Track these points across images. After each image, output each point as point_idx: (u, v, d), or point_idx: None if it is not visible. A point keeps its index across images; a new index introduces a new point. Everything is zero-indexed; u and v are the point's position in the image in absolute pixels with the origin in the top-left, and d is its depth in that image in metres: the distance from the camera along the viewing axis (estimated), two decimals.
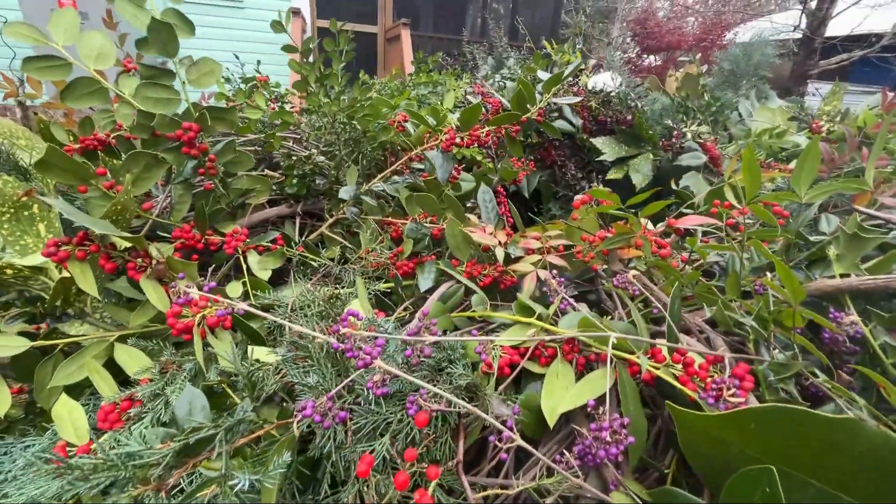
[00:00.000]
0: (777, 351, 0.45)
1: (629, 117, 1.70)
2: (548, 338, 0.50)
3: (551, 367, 0.51)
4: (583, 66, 1.93)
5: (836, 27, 8.25)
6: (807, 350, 0.45)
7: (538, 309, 0.54)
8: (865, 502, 0.30)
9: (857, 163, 0.77)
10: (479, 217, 0.80)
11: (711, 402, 0.37)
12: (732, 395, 0.36)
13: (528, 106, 0.84)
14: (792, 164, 1.29)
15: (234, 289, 0.62)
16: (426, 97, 1.63)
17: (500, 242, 0.71)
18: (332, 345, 0.34)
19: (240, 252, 0.67)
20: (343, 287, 0.67)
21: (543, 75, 0.86)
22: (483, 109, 1.05)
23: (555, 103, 1.15)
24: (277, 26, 0.70)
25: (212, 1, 5.31)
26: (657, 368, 0.42)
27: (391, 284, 0.70)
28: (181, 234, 0.66)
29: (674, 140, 1.48)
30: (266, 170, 0.86)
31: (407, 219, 0.84)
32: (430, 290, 0.66)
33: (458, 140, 0.83)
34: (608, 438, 0.34)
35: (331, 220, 0.84)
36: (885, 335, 0.50)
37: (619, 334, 0.41)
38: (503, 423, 0.35)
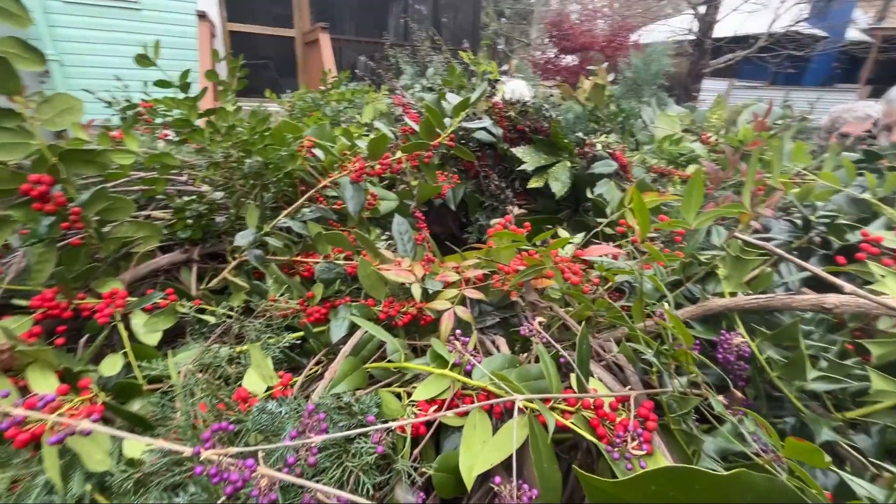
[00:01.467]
0: (677, 380, 0.47)
1: (545, 126, 1.75)
2: (469, 389, 0.48)
3: (469, 419, 0.49)
4: (495, 81, 1.96)
5: (722, 30, 9.26)
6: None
7: (451, 357, 0.53)
8: None
9: (740, 176, 0.84)
10: (396, 250, 0.77)
11: (617, 457, 0.37)
12: (637, 447, 0.36)
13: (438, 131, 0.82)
14: (690, 170, 1.40)
15: (112, 364, 0.54)
16: (343, 112, 1.57)
17: (416, 278, 0.68)
18: (195, 470, 0.29)
19: (118, 318, 0.58)
20: (246, 343, 0.60)
21: (453, 98, 0.85)
22: (391, 136, 1.02)
23: (463, 128, 1.15)
24: (143, 61, 0.62)
25: (104, 1, 4.78)
26: (571, 414, 0.41)
27: (298, 335, 0.65)
28: (42, 303, 0.57)
29: (586, 149, 1.54)
30: (154, 212, 0.77)
31: (313, 257, 0.79)
32: (345, 339, 0.62)
33: (367, 170, 0.80)
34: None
35: (234, 263, 0.76)
36: (770, 349, 0.54)
37: (526, 395, 0.40)
38: None
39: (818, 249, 0.70)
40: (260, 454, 0.30)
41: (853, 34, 12.80)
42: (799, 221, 0.75)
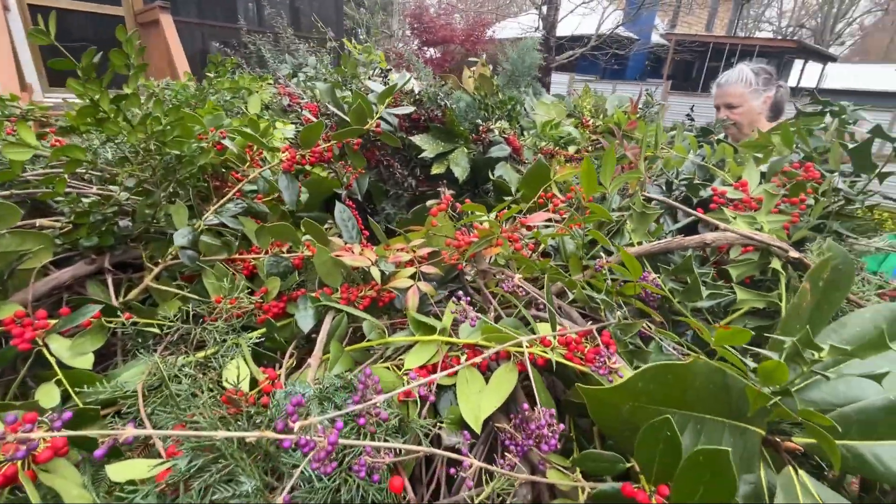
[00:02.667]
0: (619, 312, 0.58)
1: (440, 114, 1.83)
2: (453, 350, 0.53)
3: (459, 375, 0.54)
4: (387, 70, 1.98)
5: (563, 30, 10.52)
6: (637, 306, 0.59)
7: (437, 323, 0.57)
8: (709, 414, 0.42)
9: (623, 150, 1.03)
10: (341, 237, 0.77)
11: (603, 371, 0.46)
12: (615, 362, 0.45)
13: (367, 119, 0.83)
14: (571, 150, 1.62)
15: (48, 395, 0.46)
16: (230, 104, 1.43)
17: (372, 261, 0.70)
18: (283, 443, 0.29)
19: (40, 343, 0.49)
20: (207, 349, 0.56)
21: (375, 86, 0.86)
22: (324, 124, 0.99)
23: (390, 112, 1.16)
24: None
25: None
26: (549, 352, 0.49)
27: (261, 331, 0.62)
28: None
29: (482, 134, 1.66)
30: (42, 220, 0.64)
31: (254, 252, 0.74)
32: (315, 328, 0.61)
33: (299, 159, 0.77)
34: (547, 433, 0.39)
35: (157, 270, 0.68)
36: (670, 282, 0.69)
37: (530, 336, 0.47)
38: (457, 451, 0.36)
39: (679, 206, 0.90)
40: (321, 423, 0.31)
41: (656, 38, 15.59)
42: (663, 186, 0.95)
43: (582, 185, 0.62)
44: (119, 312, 0.59)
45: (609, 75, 14.32)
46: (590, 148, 1.28)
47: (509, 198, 1.41)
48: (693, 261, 0.64)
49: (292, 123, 1.23)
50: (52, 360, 0.49)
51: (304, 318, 0.61)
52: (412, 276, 0.70)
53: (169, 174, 0.70)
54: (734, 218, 0.72)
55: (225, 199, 0.73)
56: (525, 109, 1.81)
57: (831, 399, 0.52)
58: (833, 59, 17.55)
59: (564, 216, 0.75)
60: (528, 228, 0.69)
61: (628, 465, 0.43)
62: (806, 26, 27.64)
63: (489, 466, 0.35)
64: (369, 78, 1.89)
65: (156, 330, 0.59)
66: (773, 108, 1.82)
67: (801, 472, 0.44)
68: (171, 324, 0.57)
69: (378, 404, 0.35)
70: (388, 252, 0.77)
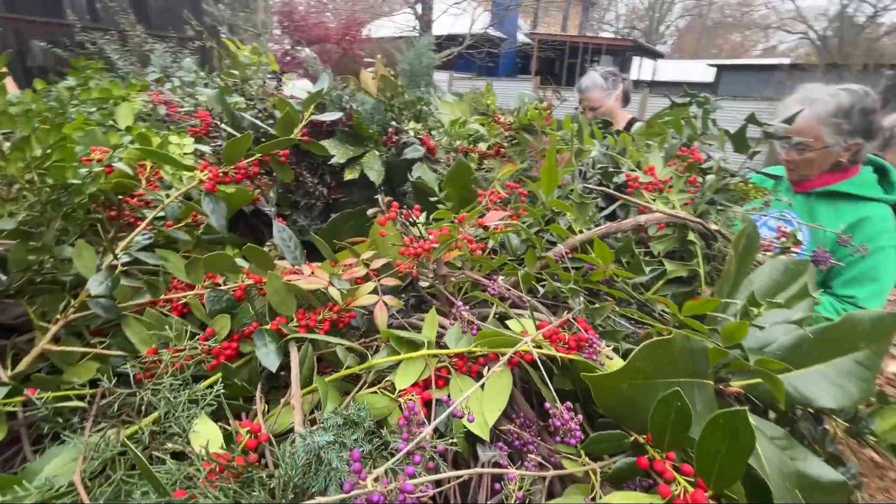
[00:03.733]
0: (580, 299, 0.63)
1: (344, 118, 1.77)
2: (439, 361, 0.52)
3: (452, 385, 0.53)
4: (280, 74, 1.85)
5: (439, 29, 10.83)
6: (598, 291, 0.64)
7: (419, 337, 0.55)
8: (683, 378, 0.48)
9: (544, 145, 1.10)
10: (284, 259, 0.70)
11: (594, 357, 0.49)
12: (603, 347, 0.49)
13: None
14: (481, 146, 1.68)
15: None
16: (96, 116, 1.20)
17: (327, 281, 0.65)
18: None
19: None
20: (157, 412, 0.47)
21: (295, 92, 0.79)
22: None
23: (318, 120, 1.08)
24: None
25: None
26: (547, 347, 0.51)
27: (213, 379, 0.54)
28: None
29: (392, 136, 1.64)
30: None
31: (180, 290, 0.64)
32: (282, 364, 0.55)
33: (222, 176, 0.68)
34: (573, 425, 0.40)
35: (55, 328, 0.55)
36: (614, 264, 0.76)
37: (527, 336, 0.47)
38: (497, 465, 0.35)
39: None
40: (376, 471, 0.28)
41: (521, 37, 16.88)
42: (579, 173, 1.04)
43: (543, 184, 0.65)
44: (18, 390, 0.47)
45: (484, 73, 15.16)
46: (505, 144, 1.34)
47: (434, 198, 1.41)
48: (631, 241, 0.71)
49: (191, 136, 1.08)
50: None
51: (268, 356, 0.54)
52: (375, 291, 0.66)
53: (55, 209, 0.57)
54: (654, 200, 0.82)
55: (139, 229, 0.61)
56: (430, 109, 1.83)
57: (756, 345, 0.62)
58: (661, 55, 20.79)
59: (510, 213, 0.78)
60: (485, 229, 0.70)
61: (630, 438, 0.46)
62: (637, 28, 32.25)
63: (532, 473, 0.35)
64: (265, 82, 1.74)
65: (77, 403, 0.47)
66: (623, 98, 2.24)
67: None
68: (112, 390, 0.46)
69: (428, 438, 0.33)
70: (336, 269, 0.73)
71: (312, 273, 0.66)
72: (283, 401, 0.51)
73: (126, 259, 0.61)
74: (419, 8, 9.69)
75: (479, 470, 0.33)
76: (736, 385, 0.59)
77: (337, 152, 1.66)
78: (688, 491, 0.37)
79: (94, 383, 0.54)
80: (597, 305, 0.60)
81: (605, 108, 2.17)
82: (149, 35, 5.00)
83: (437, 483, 0.33)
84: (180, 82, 1.89)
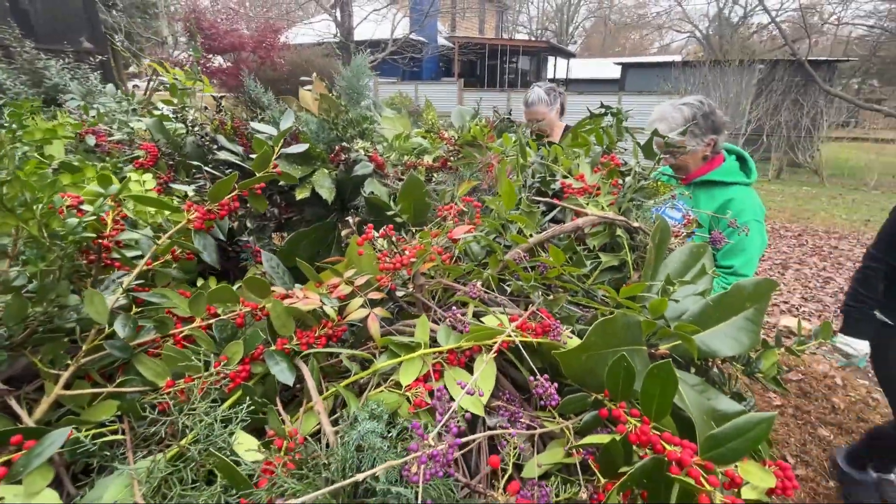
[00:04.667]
0: (538, 293, 0.76)
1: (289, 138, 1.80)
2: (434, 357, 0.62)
3: (446, 376, 0.64)
4: (221, 97, 1.84)
5: (361, 34, 10.77)
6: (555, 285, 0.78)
7: (415, 340, 0.65)
8: (623, 346, 0.62)
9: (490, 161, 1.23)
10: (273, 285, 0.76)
11: (559, 339, 0.61)
12: (564, 330, 0.62)
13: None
14: (426, 159, 1.78)
15: None
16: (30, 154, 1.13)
17: (321, 301, 0.73)
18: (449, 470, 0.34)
19: None
20: (190, 434, 0.52)
21: (266, 128, 0.84)
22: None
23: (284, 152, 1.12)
24: None
25: None
26: (525, 335, 0.63)
27: (233, 399, 0.60)
28: None
29: (340, 154, 1.70)
30: None
31: (179, 323, 0.68)
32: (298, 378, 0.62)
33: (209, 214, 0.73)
34: (552, 391, 0.52)
35: (67, 374, 0.58)
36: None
37: (510, 328, 0.59)
38: (504, 427, 0.46)
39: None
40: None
41: (441, 41, 17.21)
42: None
43: (503, 201, 0.77)
44: (44, 432, 0.50)
45: (408, 77, 15.30)
46: (452, 157, 1.46)
47: (390, 212, 1.50)
48: (573, 240, 0.86)
49: (137, 168, 1.08)
50: None
51: (283, 373, 0.61)
52: (364, 305, 0.75)
53: (55, 259, 0.59)
54: (587, 203, 0.97)
55: (136, 271, 0.65)
56: (374, 126, 1.91)
57: (674, 315, 0.79)
58: (573, 55, 22.20)
59: (472, 226, 0.90)
60: (455, 241, 0.81)
61: (592, 397, 0.60)
62: (549, 29, 34.05)
63: (527, 432, 0.46)
64: (205, 108, 1.73)
65: (117, 437, 0.52)
66: (561, 110, 2.53)
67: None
68: (156, 419, 0.51)
69: (456, 415, 0.43)
70: (322, 289, 0.80)
71: (305, 296, 0.73)
72: (303, 408, 0.59)
73: (124, 301, 0.64)
74: (338, 14, 9.58)
75: (497, 431, 0.43)
76: (663, 348, 0.75)
77: (286, 172, 1.70)
78: (637, 426, 0.51)
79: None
80: (552, 297, 0.73)
81: (548, 120, 2.51)
82: (40, 50, 4.54)
83: (462, 445, 0.43)
84: (102, 109, 1.81)
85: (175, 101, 1.51)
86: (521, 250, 0.82)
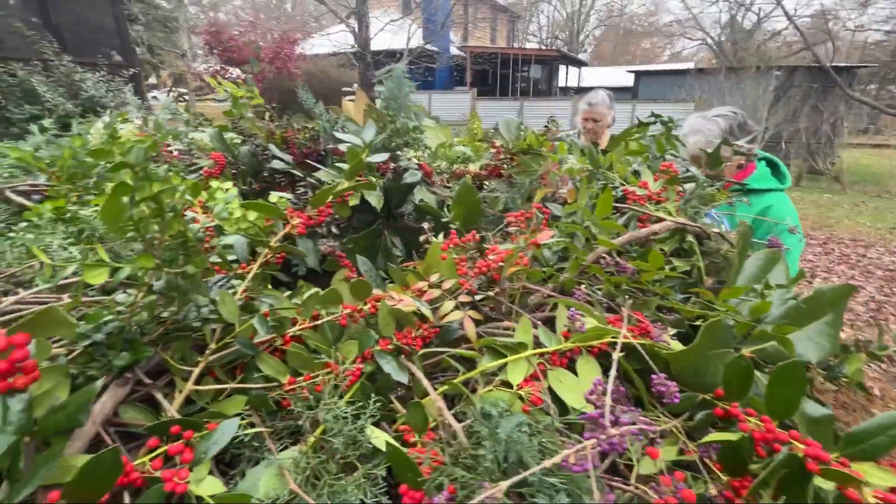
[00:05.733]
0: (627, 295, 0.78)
1: (340, 147, 1.85)
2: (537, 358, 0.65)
3: (550, 377, 0.66)
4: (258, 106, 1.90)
5: (378, 45, 10.95)
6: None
7: (518, 340, 0.67)
8: (721, 348, 0.63)
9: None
10: None
11: (662, 339, 0.63)
12: (666, 332, 0.64)
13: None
14: (472, 167, 1.82)
15: None
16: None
17: (416, 304, 0.75)
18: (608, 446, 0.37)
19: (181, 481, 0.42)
20: (322, 425, 0.55)
21: (350, 138, 0.88)
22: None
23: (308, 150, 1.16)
24: None
25: None
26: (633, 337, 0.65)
27: (350, 394, 0.63)
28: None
29: (388, 163, 1.74)
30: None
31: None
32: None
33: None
34: (673, 390, 0.54)
35: (197, 371, 0.61)
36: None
37: (621, 329, 0.61)
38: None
39: None
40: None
41: (454, 51, 17.39)
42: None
43: (598, 208, 0.80)
44: (199, 424, 0.53)
45: (422, 86, 15.49)
46: (504, 166, 1.49)
47: (444, 219, 1.52)
48: (653, 244, 0.88)
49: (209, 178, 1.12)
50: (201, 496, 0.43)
51: (396, 371, 0.64)
52: (458, 308, 0.77)
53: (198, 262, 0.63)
54: (656, 210, 0.99)
55: (252, 271, 0.68)
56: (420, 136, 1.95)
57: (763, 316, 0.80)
58: (585, 63, 22.26)
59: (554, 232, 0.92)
60: (538, 246, 0.84)
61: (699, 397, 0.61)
62: (559, 38, 34.21)
63: (656, 428, 0.48)
64: (263, 118, 1.79)
65: (261, 429, 0.55)
66: (612, 119, 2.65)
67: None
68: (298, 413, 0.54)
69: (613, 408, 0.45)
70: (408, 292, 0.83)
71: (399, 298, 0.76)
72: (414, 402, 0.61)
73: (240, 302, 0.68)
74: (355, 24, 9.76)
75: (640, 426, 0.45)
76: (747, 351, 0.76)
77: (332, 181, 1.74)
78: (759, 426, 0.53)
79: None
80: (642, 301, 0.75)
81: (605, 123, 2.57)
82: (76, 64, 4.65)
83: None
84: (160, 121, 1.88)
85: (234, 112, 1.56)
86: (602, 254, 0.84)
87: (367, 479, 0.51)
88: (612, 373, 0.51)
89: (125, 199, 0.48)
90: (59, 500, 0.37)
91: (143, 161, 0.46)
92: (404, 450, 0.47)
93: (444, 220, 1.49)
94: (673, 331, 0.68)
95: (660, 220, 0.96)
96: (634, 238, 0.90)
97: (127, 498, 0.42)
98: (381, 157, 1.01)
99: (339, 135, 0.98)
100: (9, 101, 4.12)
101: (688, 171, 1.15)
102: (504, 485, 0.38)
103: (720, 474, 0.54)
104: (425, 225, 1.02)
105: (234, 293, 0.67)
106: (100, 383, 0.45)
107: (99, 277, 0.47)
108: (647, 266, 0.75)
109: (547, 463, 0.40)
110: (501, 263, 0.80)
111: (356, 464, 0.52)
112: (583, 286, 0.73)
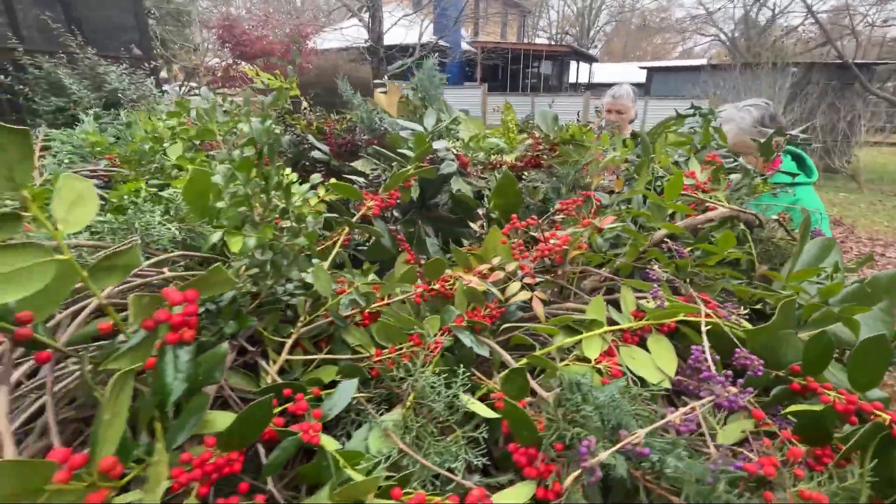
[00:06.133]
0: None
1: (371, 137, 1.89)
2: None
3: (622, 352, 0.68)
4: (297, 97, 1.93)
5: (390, 40, 10.96)
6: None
7: (591, 317, 0.70)
8: (790, 328, 0.65)
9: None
10: None
11: (733, 319, 0.66)
12: (739, 311, 0.66)
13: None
14: (507, 158, 1.84)
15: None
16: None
17: (485, 284, 0.78)
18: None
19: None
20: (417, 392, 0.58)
21: (411, 125, 0.91)
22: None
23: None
24: None
25: None
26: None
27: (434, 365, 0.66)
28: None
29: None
30: None
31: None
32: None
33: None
34: (758, 364, 0.56)
35: (290, 342, 0.64)
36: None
37: (702, 308, 0.63)
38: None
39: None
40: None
41: (464, 46, 17.33)
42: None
43: (667, 193, 0.83)
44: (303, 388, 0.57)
45: None
46: (544, 156, 1.51)
47: (481, 209, 1.54)
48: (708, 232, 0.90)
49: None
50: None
51: (474, 344, 0.67)
52: (523, 288, 0.80)
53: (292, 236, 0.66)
54: (711, 197, 1.01)
55: (336, 247, 0.71)
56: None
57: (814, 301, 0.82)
58: (596, 59, 22.09)
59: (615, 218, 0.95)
60: (599, 231, 0.86)
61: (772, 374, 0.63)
62: (569, 33, 33.93)
63: (742, 403, 0.51)
64: (296, 111, 1.82)
65: (364, 394, 0.58)
66: (634, 115, 2.61)
67: None
68: (393, 378, 0.57)
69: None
70: (471, 274, 0.86)
71: (470, 280, 0.79)
72: (514, 370, 0.64)
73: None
74: (367, 18, 9.77)
75: (731, 391, 0.47)
76: (802, 335, 0.78)
77: (367, 170, 1.77)
78: (839, 398, 0.55)
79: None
80: (711, 282, 0.78)
81: (628, 116, 2.62)
82: (100, 56, 4.72)
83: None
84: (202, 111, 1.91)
85: (279, 102, 1.59)
86: (661, 238, 0.86)
87: (468, 440, 0.54)
88: (706, 343, 0.53)
89: (244, 173, 0.51)
90: (213, 446, 0.40)
91: (267, 138, 0.49)
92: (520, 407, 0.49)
93: (481, 209, 1.51)
94: (743, 310, 0.70)
95: (708, 209, 0.98)
96: (692, 224, 0.92)
97: (261, 449, 0.46)
98: (442, 144, 1.03)
99: (402, 122, 1.00)
100: (35, 93, 4.19)
101: (734, 160, 1.17)
102: (637, 435, 0.40)
103: (799, 444, 0.56)
104: (480, 211, 1.05)
105: None
106: (225, 346, 0.48)
107: (237, 245, 0.50)
108: (714, 248, 0.77)
109: (658, 423, 0.43)
110: (566, 247, 0.83)
111: (454, 427, 0.55)
112: (656, 266, 0.76)
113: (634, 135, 1.52)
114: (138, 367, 0.39)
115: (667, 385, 0.62)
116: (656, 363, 0.65)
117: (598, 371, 0.64)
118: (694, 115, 1.43)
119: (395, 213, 1.81)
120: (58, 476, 0.30)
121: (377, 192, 0.89)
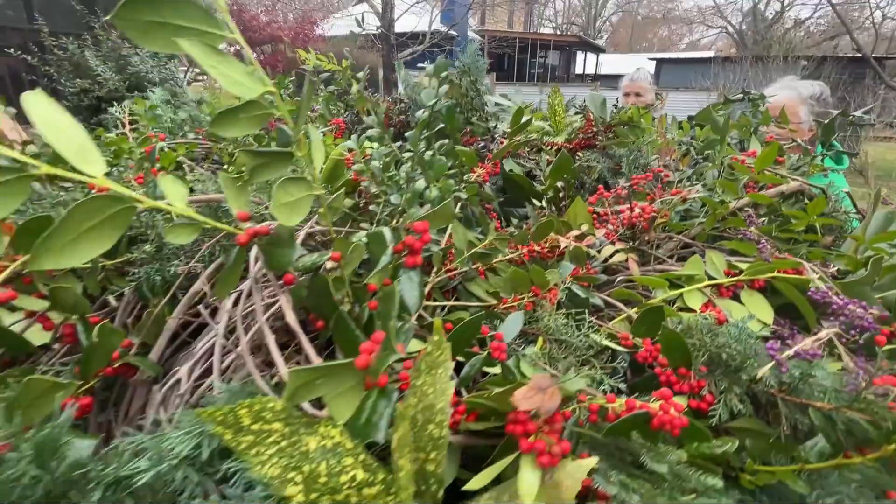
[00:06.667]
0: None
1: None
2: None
3: (721, 306, 0.76)
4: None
5: (402, 27, 10.90)
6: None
7: (688, 273, 0.77)
8: None
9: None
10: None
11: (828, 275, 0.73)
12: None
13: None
14: (557, 140, 1.90)
15: None
16: None
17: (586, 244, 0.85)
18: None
19: None
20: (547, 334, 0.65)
21: (504, 101, 0.97)
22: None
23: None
24: None
25: None
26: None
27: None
28: None
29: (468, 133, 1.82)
30: None
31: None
32: None
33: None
34: (867, 315, 0.63)
35: (429, 286, 0.72)
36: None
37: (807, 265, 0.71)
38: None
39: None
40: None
41: (471, 34, 17.21)
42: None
43: (757, 163, 0.90)
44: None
45: None
46: (599, 137, 1.57)
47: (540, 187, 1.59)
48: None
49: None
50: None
51: (588, 295, 0.75)
52: (621, 251, 0.88)
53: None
54: (776, 174, 1.08)
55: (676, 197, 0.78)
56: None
57: None
58: (603, 50, 21.95)
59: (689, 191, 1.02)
60: (684, 200, 0.93)
61: None
62: (576, 23, 33.61)
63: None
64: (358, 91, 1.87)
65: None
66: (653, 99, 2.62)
67: None
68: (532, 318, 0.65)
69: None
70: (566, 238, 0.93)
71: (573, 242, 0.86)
72: (648, 308, 0.71)
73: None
74: (378, 4, 9.72)
75: (830, 332, 0.55)
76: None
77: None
78: None
79: None
80: (790, 248, 0.85)
81: (646, 99, 2.61)
82: (123, 40, 4.74)
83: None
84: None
85: (340, 82, 1.65)
86: (741, 207, 0.93)
87: (608, 371, 0.61)
88: (824, 285, 0.61)
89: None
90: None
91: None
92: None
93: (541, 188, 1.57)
94: (833, 269, 0.77)
95: (768, 185, 1.05)
96: (771, 195, 0.99)
97: None
98: (527, 118, 1.09)
99: (495, 99, 1.07)
100: (60, 74, 4.22)
101: (793, 141, 1.23)
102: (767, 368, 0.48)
103: None
104: (559, 184, 1.12)
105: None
106: None
107: (434, 192, 0.57)
108: (802, 215, 0.84)
109: (789, 351, 0.50)
110: (654, 213, 0.90)
111: (591, 360, 0.63)
112: (752, 229, 0.83)
113: (690, 118, 1.59)
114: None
115: (767, 333, 0.70)
116: (756, 313, 0.73)
117: (705, 319, 0.71)
118: (742, 100, 1.49)
119: None
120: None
121: None
